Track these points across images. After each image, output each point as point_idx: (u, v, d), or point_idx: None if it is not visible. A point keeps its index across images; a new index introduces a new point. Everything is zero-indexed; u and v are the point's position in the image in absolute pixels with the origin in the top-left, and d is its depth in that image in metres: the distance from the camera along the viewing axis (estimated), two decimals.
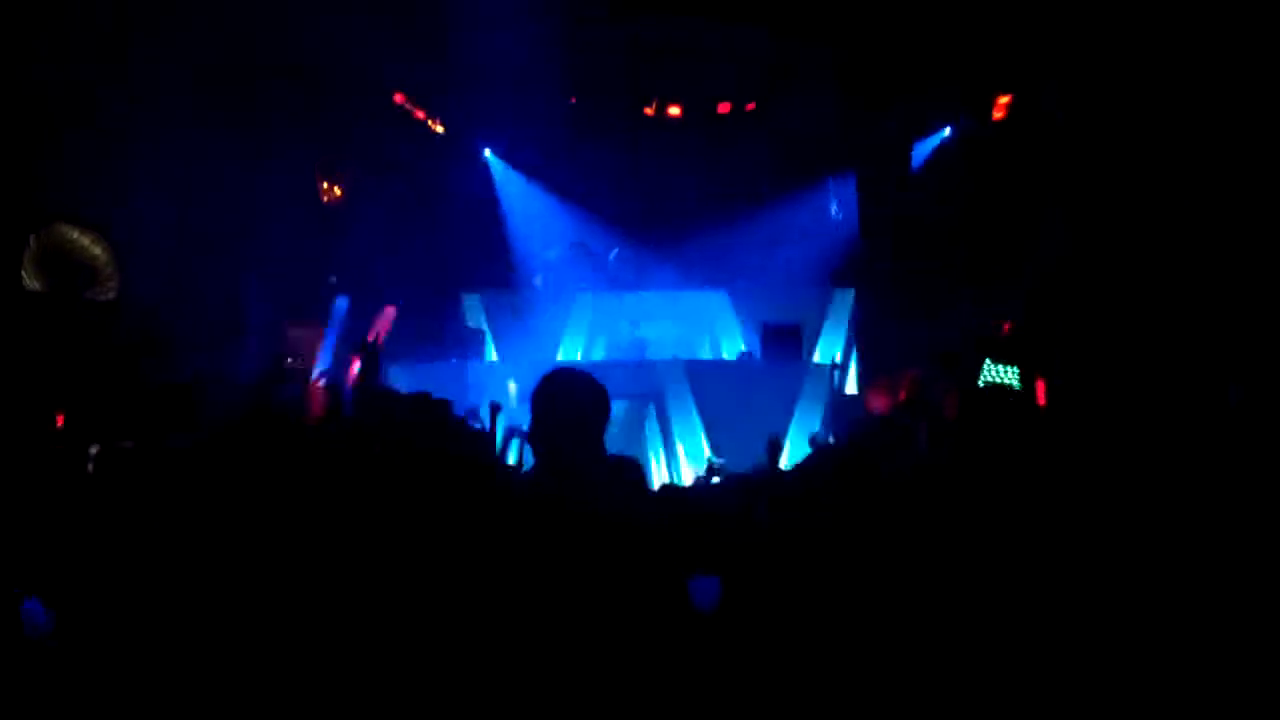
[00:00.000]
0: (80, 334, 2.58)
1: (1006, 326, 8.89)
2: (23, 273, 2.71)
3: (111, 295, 2.78)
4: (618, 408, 2.94)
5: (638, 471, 2.92)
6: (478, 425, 5.33)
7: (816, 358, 10.49)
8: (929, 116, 10.79)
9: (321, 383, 8.16)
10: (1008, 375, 8.03)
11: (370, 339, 9.59)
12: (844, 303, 11.42)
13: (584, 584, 2.18)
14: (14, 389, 2.37)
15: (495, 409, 5.45)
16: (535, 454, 2.47)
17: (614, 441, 3.15)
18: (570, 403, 2.41)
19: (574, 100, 10.34)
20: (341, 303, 9.70)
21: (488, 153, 11.98)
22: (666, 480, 8.83)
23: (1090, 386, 7.53)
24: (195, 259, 6.87)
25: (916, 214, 10.65)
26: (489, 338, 11.32)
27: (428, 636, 2.20)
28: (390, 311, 10.14)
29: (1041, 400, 8.11)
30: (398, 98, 10.11)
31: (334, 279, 10.32)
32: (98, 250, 2.78)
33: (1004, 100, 9.81)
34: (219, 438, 3.02)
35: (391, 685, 2.19)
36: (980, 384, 7.90)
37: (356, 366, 9.34)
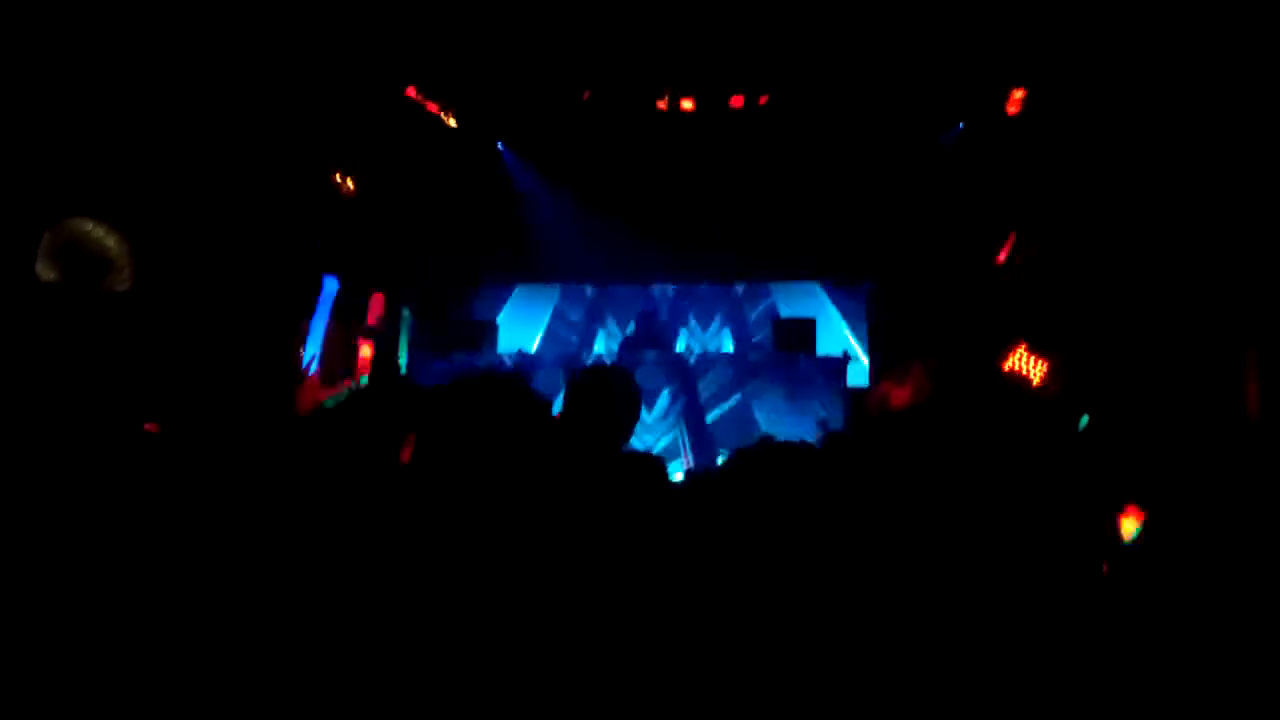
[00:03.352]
0: (98, 324, 2.58)
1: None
2: (37, 266, 2.71)
3: (126, 286, 2.79)
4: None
5: (659, 468, 2.91)
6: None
7: (829, 351, 10.49)
8: (942, 111, 10.71)
9: (313, 370, 7.98)
10: (1034, 368, 7.98)
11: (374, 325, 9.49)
12: (857, 297, 11.40)
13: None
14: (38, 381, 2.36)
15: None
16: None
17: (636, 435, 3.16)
18: (605, 401, 2.41)
19: (586, 95, 10.28)
20: (331, 283, 9.28)
21: (501, 145, 11.95)
22: (690, 467, 8.99)
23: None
24: (199, 255, 6.83)
25: (931, 207, 10.59)
26: (499, 332, 11.33)
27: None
28: (378, 298, 10.02)
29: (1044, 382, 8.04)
30: (409, 91, 10.07)
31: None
32: (110, 241, 2.78)
33: (1018, 95, 9.71)
34: None
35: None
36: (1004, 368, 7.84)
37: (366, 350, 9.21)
